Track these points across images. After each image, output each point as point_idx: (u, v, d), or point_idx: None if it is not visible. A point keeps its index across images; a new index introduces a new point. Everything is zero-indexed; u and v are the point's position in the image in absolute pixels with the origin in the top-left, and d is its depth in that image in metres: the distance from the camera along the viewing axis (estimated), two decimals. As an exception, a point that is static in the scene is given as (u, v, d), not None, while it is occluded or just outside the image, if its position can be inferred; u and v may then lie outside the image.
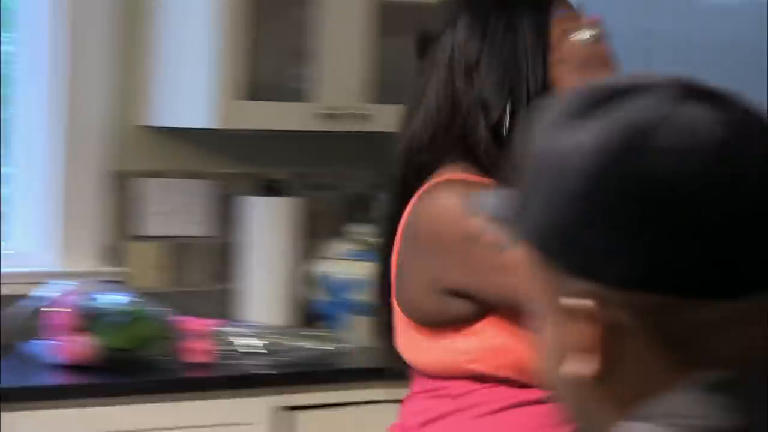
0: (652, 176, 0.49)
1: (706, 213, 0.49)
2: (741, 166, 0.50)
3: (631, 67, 1.50)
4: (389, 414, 1.58)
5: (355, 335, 2.21)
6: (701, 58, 2.34)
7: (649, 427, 0.51)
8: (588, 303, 0.51)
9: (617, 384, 0.54)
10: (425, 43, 1.34)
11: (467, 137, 1.28)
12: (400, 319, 1.36)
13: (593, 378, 0.53)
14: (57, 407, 1.95)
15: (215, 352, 2.17)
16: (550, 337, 0.56)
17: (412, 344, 1.36)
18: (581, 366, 0.52)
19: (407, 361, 1.37)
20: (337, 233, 2.42)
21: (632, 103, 0.51)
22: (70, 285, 2.15)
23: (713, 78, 0.60)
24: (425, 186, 1.26)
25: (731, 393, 0.51)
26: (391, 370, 1.43)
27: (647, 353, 0.53)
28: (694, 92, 0.51)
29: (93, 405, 2.00)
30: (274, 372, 2.20)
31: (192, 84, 2.38)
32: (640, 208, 0.49)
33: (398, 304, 1.34)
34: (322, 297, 2.35)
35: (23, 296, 2.08)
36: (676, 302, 0.50)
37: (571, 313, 0.52)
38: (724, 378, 0.51)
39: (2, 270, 2.13)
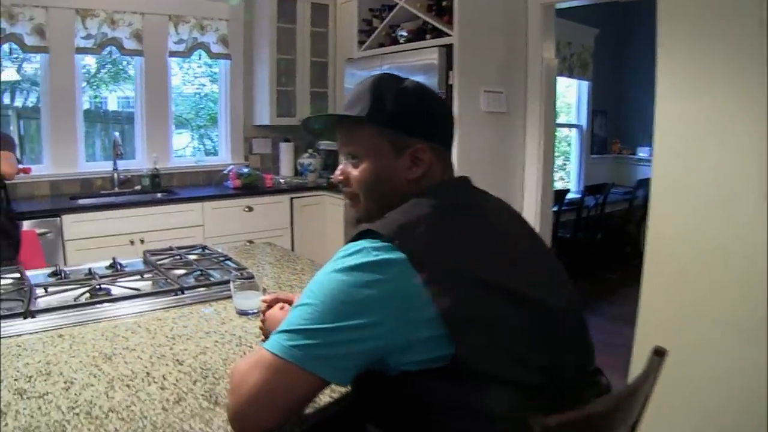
0: (408, 102, 1.16)
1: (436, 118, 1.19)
2: (419, 95, 1.17)
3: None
4: None
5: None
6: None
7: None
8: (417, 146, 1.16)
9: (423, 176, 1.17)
10: None
11: None
12: None
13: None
14: None
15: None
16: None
17: None
18: None
19: None
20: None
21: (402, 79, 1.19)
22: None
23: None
24: None
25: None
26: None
27: (436, 167, 1.18)
28: (402, 79, 1.19)
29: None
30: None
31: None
32: (420, 113, 1.16)
33: None
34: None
35: None
36: (423, 143, 1.15)
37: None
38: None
39: None
